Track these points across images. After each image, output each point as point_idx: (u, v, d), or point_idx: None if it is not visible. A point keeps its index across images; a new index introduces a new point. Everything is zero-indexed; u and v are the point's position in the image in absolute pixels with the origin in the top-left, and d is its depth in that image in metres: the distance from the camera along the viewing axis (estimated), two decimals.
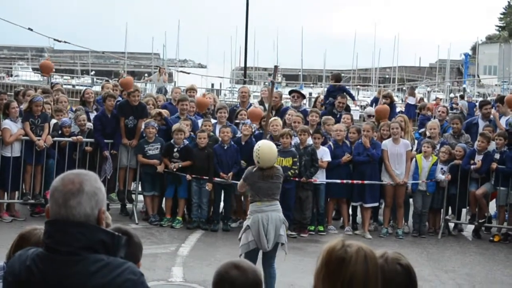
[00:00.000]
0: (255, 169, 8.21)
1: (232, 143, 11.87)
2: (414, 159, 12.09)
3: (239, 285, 3.10)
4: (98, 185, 2.84)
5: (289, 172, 11.21)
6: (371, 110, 14.62)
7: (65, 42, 14.04)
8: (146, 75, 53.27)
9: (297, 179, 11.57)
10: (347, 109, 14.16)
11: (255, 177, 8.11)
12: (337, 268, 2.78)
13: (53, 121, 12.07)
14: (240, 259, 3.26)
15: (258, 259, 7.88)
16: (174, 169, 11.83)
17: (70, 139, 11.91)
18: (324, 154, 11.93)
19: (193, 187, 11.89)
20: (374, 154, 11.89)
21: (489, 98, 42.03)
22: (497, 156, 11.91)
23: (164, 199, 12.38)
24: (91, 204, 2.77)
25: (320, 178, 11.89)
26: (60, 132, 12.03)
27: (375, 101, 16.74)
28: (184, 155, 11.89)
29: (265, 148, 8.23)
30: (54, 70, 16.32)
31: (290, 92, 15.02)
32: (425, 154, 12.02)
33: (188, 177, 11.81)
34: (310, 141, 11.91)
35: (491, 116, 13.38)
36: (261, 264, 7.90)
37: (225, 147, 11.82)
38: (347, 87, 18.79)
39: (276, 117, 12.27)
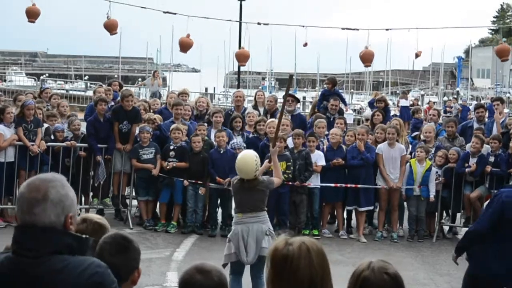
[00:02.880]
0: (236, 180, 7.93)
1: (229, 147, 11.82)
2: (408, 164, 12.10)
3: None
4: (65, 192, 2.85)
5: (283, 176, 11.16)
6: (368, 114, 14.73)
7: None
8: (140, 79, 53.25)
9: (291, 183, 11.56)
10: (340, 113, 14.18)
11: (236, 188, 7.86)
12: (282, 266, 2.86)
13: (45, 125, 12.05)
14: (203, 262, 3.25)
15: (246, 270, 7.80)
16: (168, 167, 11.78)
17: (64, 144, 11.89)
18: (318, 158, 11.91)
19: (188, 191, 11.84)
20: (368, 158, 11.89)
21: (482, 101, 42.16)
22: (491, 159, 11.92)
23: (158, 204, 12.35)
24: (56, 212, 2.80)
25: (314, 182, 11.89)
26: (53, 137, 12.01)
27: (371, 103, 16.78)
28: (180, 155, 11.87)
29: (240, 159, 7.82)
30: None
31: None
32: (419, 158, 12.02)
33: (186, 182, 11.79)
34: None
35: (486, 119, 13.43)
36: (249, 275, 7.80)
37: (221, 152, 11.79)
38: (340, 91, 18.83)
39: (273, 119, 12.23)
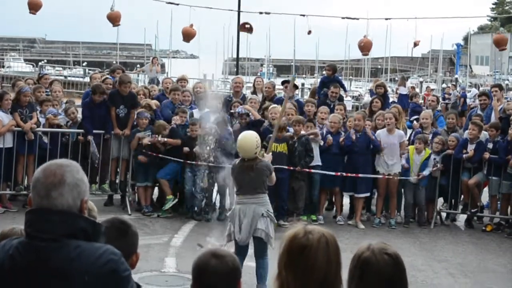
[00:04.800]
0: (237, 161, 8.13)
1: (230, 129, 11.75)
2: (407, 151, 12.11)
3: (221, 273, 3.13)
4: (80, 176, 2.87)
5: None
6: (367, 100, 14.81)
7: None
8: (138, 66, 53.09)
9: (292, 168, 11.57)
10: (340, 99, 14.17)
11: (237, 168, 8.02)
12: (299, 255, 2.83)
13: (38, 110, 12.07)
14: (216, 247, 3.30)
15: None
16: (161, 141, 11.71)
17: (60, 129, 11.94)
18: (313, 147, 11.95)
19: (186, 174, 11.78)
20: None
21: (481, 88, 42.12)
22: (490, 145, 11.92)
23: (157, 190, 12.38)
24: (73, 195, 2.81)
25: (314, 168, 11.89)
26: (46, 120, 12.00)
27: (371, 91, 16.80)
28: (172, 135, 11.87)
29: (241, 137, 8.03)
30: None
31: (283, 83, 15.01)
32: (418, 150, 12.00)
33: (186, 149, 11.64)
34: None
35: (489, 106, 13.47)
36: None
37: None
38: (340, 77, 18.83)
39: (275, 105, 12.24)
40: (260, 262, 7.91)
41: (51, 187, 2.79)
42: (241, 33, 25.32)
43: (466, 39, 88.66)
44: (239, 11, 25.89)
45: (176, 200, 12.00)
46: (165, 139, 11.76)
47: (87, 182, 2.91)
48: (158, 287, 8.40)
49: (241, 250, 7.77)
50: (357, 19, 16.69)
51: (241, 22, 23.07)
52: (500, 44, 15.62)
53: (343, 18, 17.27)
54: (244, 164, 7.90)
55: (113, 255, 2.78)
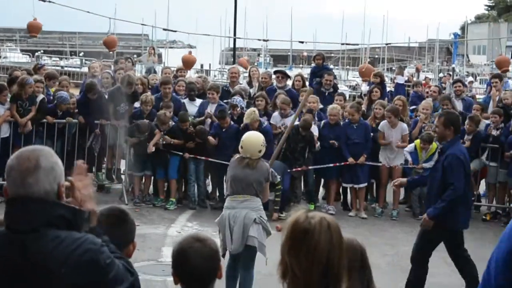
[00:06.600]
0: (236, 157, 7.50)
1: (232, 122, 11.80)
2: (414, 145, 11.99)
3: (205, 255, 3.19)
4: (54, 160, 2.81)
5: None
6: (365, 90, 14.95)
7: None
8: (135, 56, 52.97)
9: (294, 169, 11.64)
10: (335, 88, 14.19)
11: (234, 164, 7.36)
12: (302, 239, 2.85)
13: (40, 96, 11.98)
14: (197, 232, 3.39)
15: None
16: (165, 142, 11.74)
17: (59, 120, 11.90)
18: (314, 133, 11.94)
19: (190, 165, 11.85)
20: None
21: (478, 78, 41.91)
22: (494, 132, 11.90)
23: (154, 180, 12.38)
24: (49, 180, 2.75)
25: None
26: (55, 105, 11.97)
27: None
28: (172, 134, 11.87)
29: (247, 135, 7.56)
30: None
31: (275, 73, 15.01)
32: (424, 148, 11.90)
33: (186, 155, 11.76)
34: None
35: (464, 95, 13.68)
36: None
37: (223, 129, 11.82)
38: (336, 68, 18.89)
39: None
40: (245, 276, 7.18)
41: (27, 173, 2.73)
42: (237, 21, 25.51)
43: (463, 28, 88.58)
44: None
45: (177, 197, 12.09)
46: (172, 141, 11.74)
47: (62, 166, 2.84)
48: (155, 276, 8.41)
49: (236, 258, 7.22)
50: (357, 44, 17.10)
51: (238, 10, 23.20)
52: (502, 66, 15.74)
53: (342, 44, 17.72)
54: (244, 161, 7.26)
55: (92, 244, 2.72)
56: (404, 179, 8.49)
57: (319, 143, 11.91)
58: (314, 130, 11.93)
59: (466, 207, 7.79)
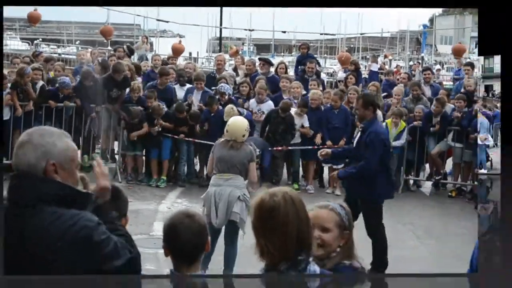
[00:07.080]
0: (222, 139, 7.44)
1: (220, 107, 11.70)
2: (385, 123, 12.02)
3: (194, 230, 3.16)
4: (51, 140, 2.76)
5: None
6: (341, 76, 15.09)
7: None
8: (128, 44, 52.55)
9: (275, 148, 11.56)
10: (318, 74, 14.21)
11: (220, 147, 7.30)
12: (269, 217, 2.78)
13: (40, 83, 11.87)
14: (186, 208, 3.35)
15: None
16: (157, 129, 11.70)
17: (58, 103, 11.79)
18: (304, 121, 11.92)
19: (183, 146, 11.86)
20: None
21: (445, 66, 41.95)
22: (458, 114, 11.96)
23: (146, 159, 12.30)
24: (36, 155, 2.71)
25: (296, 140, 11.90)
26: (56, 89, 11.90)
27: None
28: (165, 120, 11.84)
29: (232, 120, 7.51)
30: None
31: (259, 60, 15.03)
32: (394, 123, 11.93)
33: (182, 136, 11.76)
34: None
35: (432, 82, 13.91)
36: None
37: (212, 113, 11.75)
38: (315, 55, 18.89)
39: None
40: (229, 250, 7.15)
41: (19, 146, 2.74)
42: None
43: (431, 20, 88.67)
44: None
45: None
46: (159, 128, 11.70)
47: (64, 148, 2.78)
48: (147, 249, 8.37)
49: (214, 232, 7.06)
50: (334, 35, 17.46)
51: None
52: (458, 54, 16.31)
53: (321, 34, 18.13)
54: (229, 143, 7.22)
55: (89, 221, 2.69)
56: (329, 150, 8.37)
57: (312, 132, 11.86)
58: (305, 120, 11.87)
59: (388, 179, 7.87)
